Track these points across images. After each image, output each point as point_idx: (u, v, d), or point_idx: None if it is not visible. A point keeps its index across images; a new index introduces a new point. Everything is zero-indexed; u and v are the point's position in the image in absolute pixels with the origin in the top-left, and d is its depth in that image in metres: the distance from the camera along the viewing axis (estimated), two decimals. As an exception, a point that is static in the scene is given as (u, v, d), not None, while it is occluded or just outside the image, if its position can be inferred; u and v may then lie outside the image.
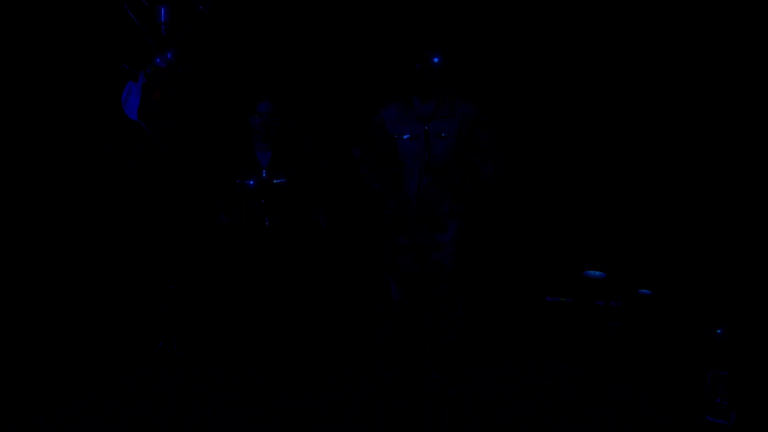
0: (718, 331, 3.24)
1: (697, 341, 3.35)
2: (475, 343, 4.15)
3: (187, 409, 3.46)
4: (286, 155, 3.42)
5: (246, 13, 3.75)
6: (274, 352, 3.57)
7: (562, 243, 4.05)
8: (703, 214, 3.63)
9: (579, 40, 3.86)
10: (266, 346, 3.52)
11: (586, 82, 3.89)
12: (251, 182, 3.32)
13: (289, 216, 3.37)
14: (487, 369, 4.00)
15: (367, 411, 3.51)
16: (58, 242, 3.58)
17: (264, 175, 3.32)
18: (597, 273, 3.49)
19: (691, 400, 3.45)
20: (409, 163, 3.44)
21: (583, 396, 3.70)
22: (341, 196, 3.63)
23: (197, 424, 3.33)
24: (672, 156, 3.70)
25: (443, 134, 3.40)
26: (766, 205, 3.46)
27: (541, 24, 3.88)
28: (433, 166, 3.41)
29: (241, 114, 3.76)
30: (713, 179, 3.59)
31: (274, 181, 3.32)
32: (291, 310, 3.47)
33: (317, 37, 3.85)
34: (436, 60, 3.31)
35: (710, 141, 3.58)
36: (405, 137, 3.42)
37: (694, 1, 3.55)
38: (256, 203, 3.30)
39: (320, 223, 3.45)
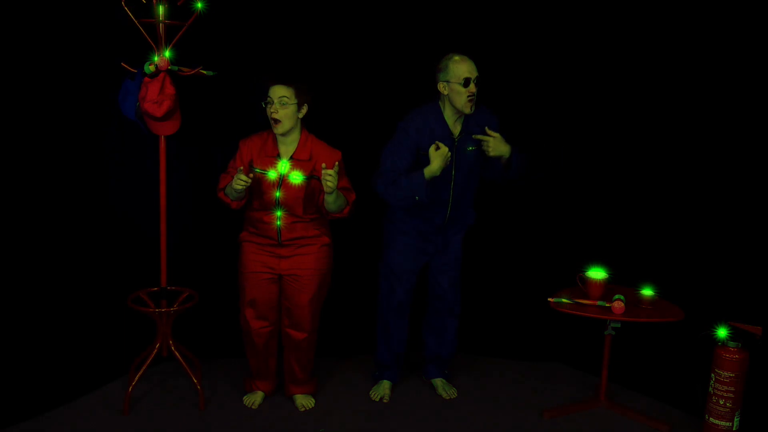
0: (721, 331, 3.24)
1: (700, 342, 3.34)
2: (475, 343, 4.15)
3: (186, 409, 3.45)
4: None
5: (249, 11, 3.72)
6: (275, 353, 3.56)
7: (564, 243, 4.03)
8: (704, 214, 3.62)
9: (583, 43, 3.84)
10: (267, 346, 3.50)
11: (588, 84, 3.87)
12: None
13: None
14: (488, 369, 4.00)
15: (367, 410, 3.50)
16: (58, 242, 3.55)
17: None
18: (598, 273, 3.48)
19: (693, 401, 3.45)
20: (437, 177, 3.23)
21: (584, 396, 3.70)
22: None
23: (197, 424, 3.32)
24: (673, 157, 3.69)
25: (470, 148, 3.35)
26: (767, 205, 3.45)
27: (547, 28, 3.86)
28: (459, 178, 3.38)
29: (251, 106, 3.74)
30: (714, 180, 3.58)
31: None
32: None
33: (335, 43, 3.82)
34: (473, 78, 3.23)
35: (712, 141, 3.56)
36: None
37: (693, 4, 3.53)
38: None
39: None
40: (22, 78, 3.32)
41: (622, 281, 3.65)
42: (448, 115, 3.34)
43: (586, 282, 3.47)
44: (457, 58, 3.26)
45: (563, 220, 4.02)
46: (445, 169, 3.29)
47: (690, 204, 3.66)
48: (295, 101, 3.16)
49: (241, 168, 3.10)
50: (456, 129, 3.36)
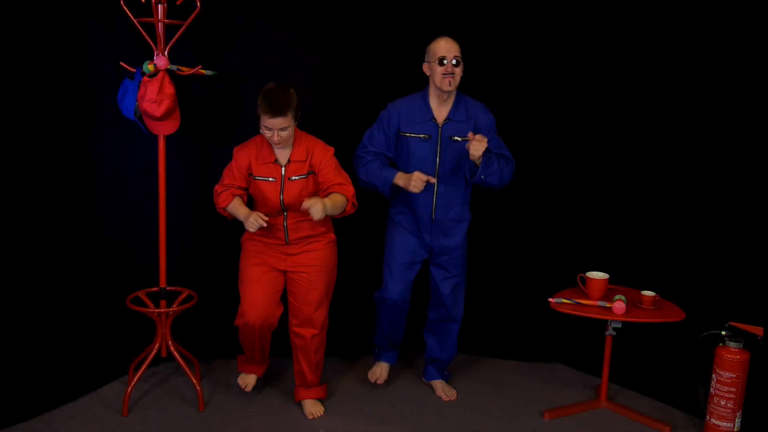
0: (722, 332, 3.23)
1: (701, 342, 3.33)
2: (475, 344, 4.14)
3: (186, 409, 3.44)
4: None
5: (247, 8, 3.72)
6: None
7: (565, 244, 4.02)
8: (705, 214, 3.61)
9: (588, 44, 3.82)
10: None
11: (590, 83, 3.86)
12: (271, 179, 3.23)
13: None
14: (488, 369, 3.99)
15: (367, 411, 3.49)
16: (57, 243, 3.54)
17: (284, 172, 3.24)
18: (599, 273, 3.47)
19: (694, 403, 3.44)
20: (418, 164, 3.34)
21: (585, 397, 3.69)
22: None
23: (196, 424, 3.32)
24: (674, 157, 3.68)
25: (457, 137, 3.35)
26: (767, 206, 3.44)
27: (548, 25, 3.85)
28: (444, 169, 3.36)
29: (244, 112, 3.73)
30: (715, 180, 3.56)
31: (291, 178, 3.24)
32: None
33: (323, 32, 3.80)
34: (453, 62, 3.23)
35: (713, 141, 3.55)
36: (418, 137, 3.35)
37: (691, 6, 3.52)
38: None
39: None
40: (20, 78, 3.30)
41: (622, 281, 3.64)
42: (433, 98, 3.35)
43: (587, 282, 3.46)
44: (439, 38, 3.29)
45: (564, 220, 4.01)
46: (430, 158, 3.33)
47: (690, 204, 3.65)
48: (293, 122, 3.13)
49: (260, 216, 3.12)
50: (441, 114, 3.35)
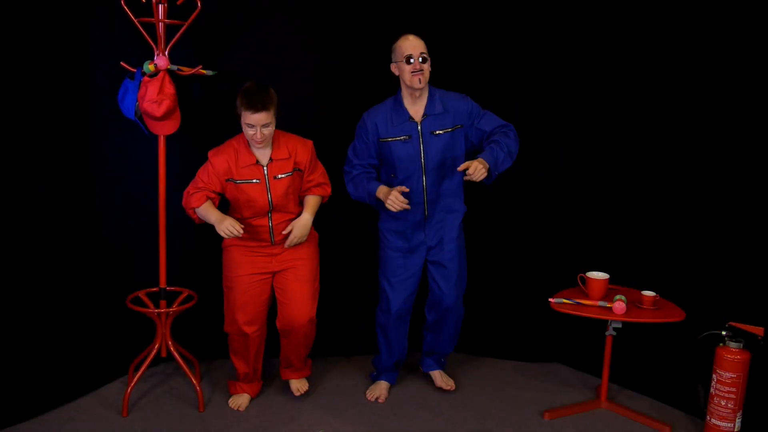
0: (722, 332, 3.23)
1: (701, 342, 3.33)
2: (475, 343, 4.14)
3: (185, 409, 3.44)
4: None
5: (243, 9, 3.71)
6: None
7: (565, 243, 4.02)
8: (705, 214, 3.60)
9: (587, 41, 3.82)
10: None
11: (590, 83, 3.86)
12: (255, 180, 3.24)
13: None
14: (488, 369, 3.99)
15: (366, 411, 3.49)
16: (57, 243, 3.54)
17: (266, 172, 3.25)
18: (599, 273, 3.47)
19: (694, 403, 3.44)
20: (404, 166, 3.34)
21: (585, 397, 3.69)
22: (337, 194, 3.59)
23: (196, 424, 3.31)
24: (674, 157, 3.68)
25: (438, 132, 3.35)
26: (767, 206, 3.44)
27: (548, 26, 3.84)
28: (431, 165, 3.36)
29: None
30: (715, 180, 3.56)
31: (277, 177, 3.25)
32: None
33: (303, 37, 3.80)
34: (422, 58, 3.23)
35: (714, 141, 3.55)
36: (398, 140, 3.34)
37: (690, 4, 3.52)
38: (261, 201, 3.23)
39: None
40: (20, 78, 3.30)
41: (622, 281, 3.64)
42: (406, 98, 3.34)
43: (587, 282, 3.46)
44: (403, 37, 3.29)
45: (564, 220, 4.01)
46: (415, 158, 3.32)
47: (690, 204, 3.64)
48: (274, 118, 3.15)
49: (235, 224, 3.13)
50: (417, 112, 3.34)
